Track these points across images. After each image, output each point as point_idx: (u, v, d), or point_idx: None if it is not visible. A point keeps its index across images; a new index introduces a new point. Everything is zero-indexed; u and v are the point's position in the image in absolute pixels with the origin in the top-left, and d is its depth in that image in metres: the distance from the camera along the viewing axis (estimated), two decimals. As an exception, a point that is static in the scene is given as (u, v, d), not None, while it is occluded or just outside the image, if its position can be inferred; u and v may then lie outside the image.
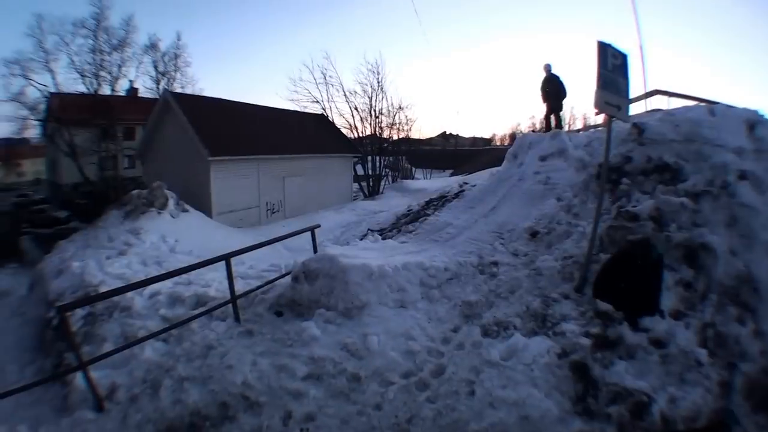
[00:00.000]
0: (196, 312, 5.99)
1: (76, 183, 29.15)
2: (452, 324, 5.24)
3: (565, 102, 12.74)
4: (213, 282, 7.28)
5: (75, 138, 25.49)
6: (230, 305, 5.87)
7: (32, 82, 25.31)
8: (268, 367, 4.57)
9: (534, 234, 7.12)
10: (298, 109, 28.21)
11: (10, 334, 9.15)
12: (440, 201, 12.03)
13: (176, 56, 30.98)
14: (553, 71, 12.30)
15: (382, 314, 5.42)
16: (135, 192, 13.13)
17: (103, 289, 7.10)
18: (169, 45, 30.66)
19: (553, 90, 12.23)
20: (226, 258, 5.71)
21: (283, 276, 6.83)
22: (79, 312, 6.33)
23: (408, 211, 13.28)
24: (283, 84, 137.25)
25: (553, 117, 12.62)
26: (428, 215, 10.78)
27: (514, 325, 4.89)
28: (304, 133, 23.14)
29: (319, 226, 8.47)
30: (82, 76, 25.76)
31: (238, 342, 5.19)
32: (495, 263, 6.58)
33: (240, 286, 6.29)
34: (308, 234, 7.97)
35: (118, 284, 7.46)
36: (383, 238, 9.28)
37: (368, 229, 13.04)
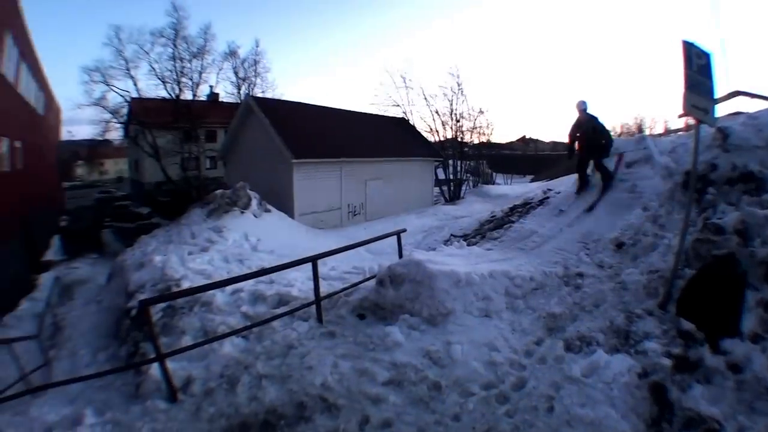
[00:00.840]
0: (279, 311, 6.04)
1: (158, 182, 30.92)
2: (535, 336, 5.05)
3: (606, 147, 9.61)
4: (295, 282, 7.33)
5: (158, 140, 27.04)
6: (313, 306, 5.89)
7: (113, 88, 26.99)
8: (348, 370, 4.52)
9: (620, 245, 6.77)
10: (379, 113, 28.39)
11: (85, 320, 9.61)
12: (524, 208, 11.65)
13: (255, 62, 31.93)
14: (590, 110, 9.75)
15: (466, 323, 5.30)
16: (219, 192, 13.62)
17: (185, 283, 7.32)
18: (248, 52, 31.84)
19: (589, 135, 9.49)
20: (313, 260, 5.72)
21: (367, 279, 6.80)
22: (159, 304, 6.51)
23: (491, 217, 12.97)
24: (364, 88, 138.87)
25: (592, 166, 9.92)
26: (513, 222, 10.52)
27: (597, 341, 4.66)
28: (385, 137, 23.34)
29: (405, 230, 8.44)
30: (163, 82, 27.19)
31: (320, 343, 5.18)
32: (580, 275, 6.32)
33: (322, 288, 6.28)
34: (390, 237, 7.90)
35: (200, 279, 7.68)
36: (467, 245, 9.11)
37: (451, 235, 12.91)
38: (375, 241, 7.53)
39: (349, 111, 24.44)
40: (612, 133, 9.65)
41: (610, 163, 9.74)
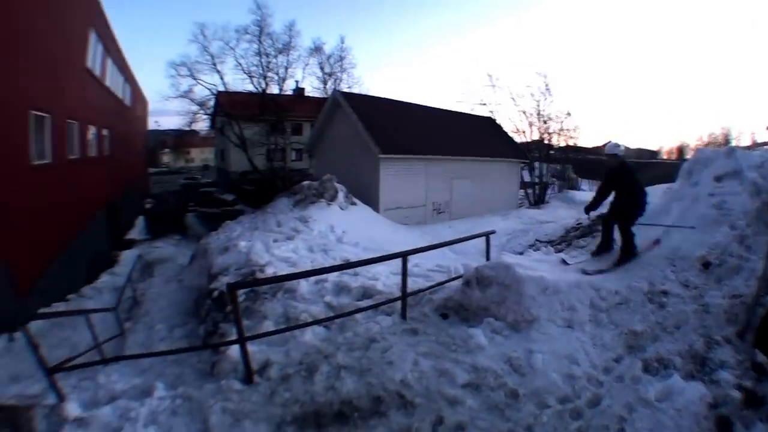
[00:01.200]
0: (363, 303, 6.11)
1: (243, 171, 32.37)
2: (615, 353, 4.92)
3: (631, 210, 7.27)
4: (380, 276, 7.38)
5: (245, 131, 28.29)
6: (397, 301, 5.94)
7: (200, 82, 28.37)
8: (429, 368, 4.54)
9: (706, 264, 6.44)
10: (466, 111, 28.37)
11: (164, 296, 10.10)
12: (611, 217, 11.28)
13: (341, 58, 32.79)
14: (622, 155, 7.48)
15: (549, 332, 5.23)
16: (306, 183, 13.97)
17: (269, 270, 7.46)
18: (333, 48, 32.70)
19: (625, 188, 7.24)
20: (403, 255, 5.74)
21: (452, 279, 6.77)
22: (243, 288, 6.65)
23: (577, 224, 12.76)
24: (451, 85, 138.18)
25: (617, 231, 7.43)
26: (600, 231, 10.15)
27: (674, 365, 4.47)
28: (472, 136, 23.37)
29: (494, 232, 8.32)
30: (249, 76, 28.39)
31: (402, 339, 5.19)
32: (665, 293, 6.05)
33: (398, 281, 6.29)
34: (475, 237, 7.82)
35: (283, 266, 7.82)
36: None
37: (536, 240, 12.79)
38: (464, 240, 7.52)
39: (437, 109, 24.56)
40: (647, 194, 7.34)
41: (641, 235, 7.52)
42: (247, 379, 4.48)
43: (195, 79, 28.40)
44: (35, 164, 10.30)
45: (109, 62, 20.54)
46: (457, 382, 4.41)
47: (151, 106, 41.81)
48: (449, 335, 5.25)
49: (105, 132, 19.74)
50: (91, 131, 17.12)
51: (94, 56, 17.03)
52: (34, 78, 10.25)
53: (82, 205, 14.98)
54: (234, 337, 5.11)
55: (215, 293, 7.38)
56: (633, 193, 7.16)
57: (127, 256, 18.48)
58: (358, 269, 7.30)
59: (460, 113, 26.67)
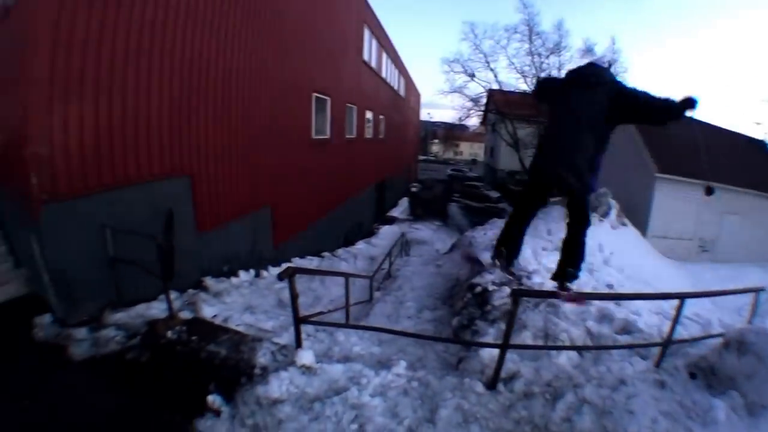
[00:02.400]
0: (622, 339, 5.53)
1: (511, 170, 32.81)
2: None
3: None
4: (642, 310, 6.52)
5: (518, 131, 28.25)
6: (655, 346, 5.17)
7: (475, 79, 29.11)
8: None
9: None
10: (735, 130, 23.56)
11: (419, 277, 10.37)
12: None
13: (613, 61, 30.57)
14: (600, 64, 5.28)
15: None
16: None
17: (536, 279, 7.03)
18: (605, 50, 30.34)
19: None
20: (681, 297, 4.97)
21: (710, 336, 5.64)
22: (506, 290, 6.50)
23: None
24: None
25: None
26: None
27: None
28: (744, 161, 18.78)
29: (764, 289, 6.95)
30: (523, 76, 28.05)
31: (649, 389, 4.50)
32: None
33: (657, 322, 5.67)
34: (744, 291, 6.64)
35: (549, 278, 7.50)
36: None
37: None
38: (740, 293, 6.38)
39: (715, 125, 20.27)
40: None
41: None
42: (491, 384, 4.27)
43: (469, 75, 29.08)
44: (315, 138, 12.18)
45: (384, 56, 22.70)
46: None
47: (424, 99, 44.91)
48: (692, 400, 4.40)
49: (380, 117, 21.94)
50: (368, 116, 19.18)
51: (369, 50, 18.95)
52: (317, 66, 12.05)
53: (353, 179, 16.92)
54: (491, 338, 5.05)
55: (477, 288, 7.17)
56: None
57: (385, 231, 20.13)
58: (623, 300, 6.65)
59: (730, 131, 21.64)
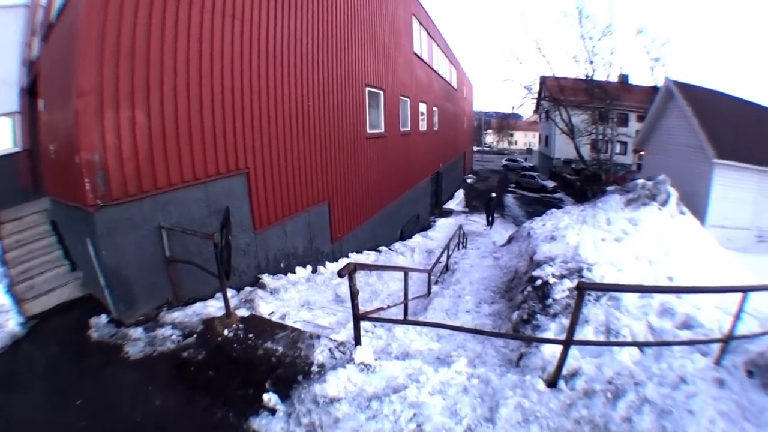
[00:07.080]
0: (683, 333, 5.27)
1: (566, 159, 32.13)
2: None
3: None
4: (703, 305, 6.08)
5: (572, 118, 27.53)
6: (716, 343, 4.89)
7: (526, 67, 28.73)
8: None
9: None
10: None
11: (477, 270, 10.27)
12: None
13: (667, 43, 29.41)
14: None
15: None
16: (640, 181, 12.75)
17: (597, 270, 6.87)
18: (659, 32, 29.29)
19: None
20: (744, 290, 4.64)
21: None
22: (567, 282, 6.39)
23: None
24: None
25: None
26: None
27: None
28: None
29: None
30: (575, 61, 27.33)
31: (708, 388, 4.26)
32: None
33: (718, 317, 5.42)
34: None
35: (610, 270, 7.12)
36: None
37: None
38: None
39: (760, 104, 18.99)
40: None
41: None
42: (552, 382, 4.14)
43: (521, 63, 28.61)
44: (370, 132, 12.20)
45: (434, 47, 22.48)
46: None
47: (477, 88, 44.32)
48: (749, 399, 4.14)
49: (434, 109, 21.73)
50: (421, 108, 19.02)
51: (420, 41, 18.83)
52: (369, 59, 12.10)
53: (408, 173, 16.87)
54: (553, 334, 4.96)
55: (538, 281, 7.02)
56: None
57: (441, 223, 20.07)
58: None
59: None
